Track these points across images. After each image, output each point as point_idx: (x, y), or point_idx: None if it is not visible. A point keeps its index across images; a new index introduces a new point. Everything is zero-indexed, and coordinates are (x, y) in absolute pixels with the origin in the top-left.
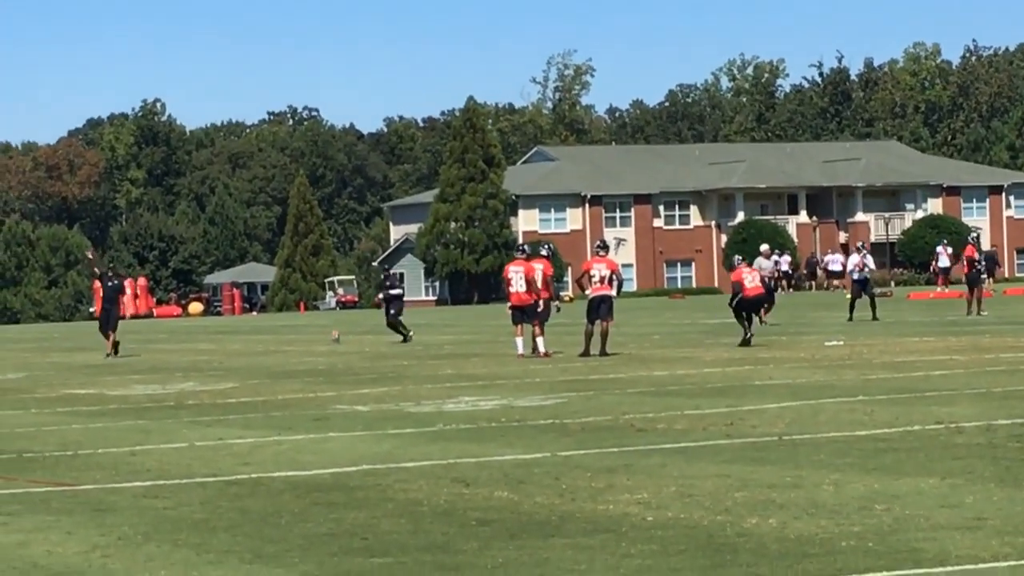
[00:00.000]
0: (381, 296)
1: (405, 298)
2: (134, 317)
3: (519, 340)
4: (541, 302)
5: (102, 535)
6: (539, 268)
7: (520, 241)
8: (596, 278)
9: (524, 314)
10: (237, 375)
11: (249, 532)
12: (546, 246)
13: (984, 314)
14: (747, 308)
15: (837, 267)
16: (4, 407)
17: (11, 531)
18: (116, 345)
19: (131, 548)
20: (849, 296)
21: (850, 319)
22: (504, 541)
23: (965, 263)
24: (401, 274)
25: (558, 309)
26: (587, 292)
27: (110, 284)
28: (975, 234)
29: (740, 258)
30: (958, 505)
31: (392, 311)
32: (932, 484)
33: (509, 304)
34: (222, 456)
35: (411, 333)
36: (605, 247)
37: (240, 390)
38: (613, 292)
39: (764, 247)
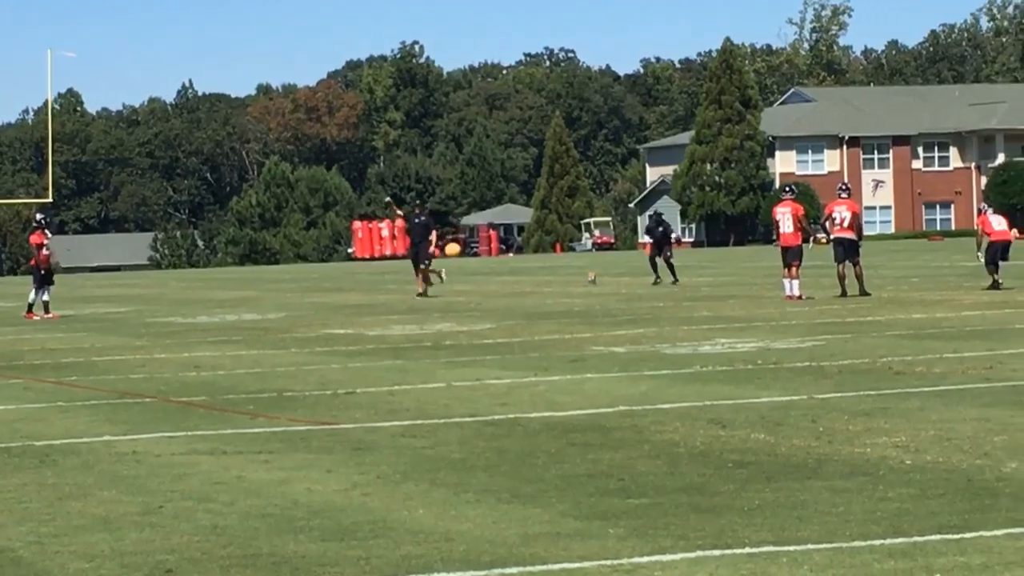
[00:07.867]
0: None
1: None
2: (392, 258)
3: (786, 282)
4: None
5: (361, 474)
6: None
7: (777, 183)
8: (837, 220)
9: (790, 255)
10: (494, 316)
11: (507, 472)
12: (788, 187)
13: None
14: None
15: None
16: (265, 346)
17: (273, 468)
18: (427, 277)
19: (390, 487)
20: None
21: None
22: (761, 483)
23: None
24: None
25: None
26: (830, 234)
27: (416, 222)
28: None
29: (985, 206)
30: None
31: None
32: None
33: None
34: (479, 396)
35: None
36: (847, 190)
37: (497, 331)
38: (855, 235)
39: None
